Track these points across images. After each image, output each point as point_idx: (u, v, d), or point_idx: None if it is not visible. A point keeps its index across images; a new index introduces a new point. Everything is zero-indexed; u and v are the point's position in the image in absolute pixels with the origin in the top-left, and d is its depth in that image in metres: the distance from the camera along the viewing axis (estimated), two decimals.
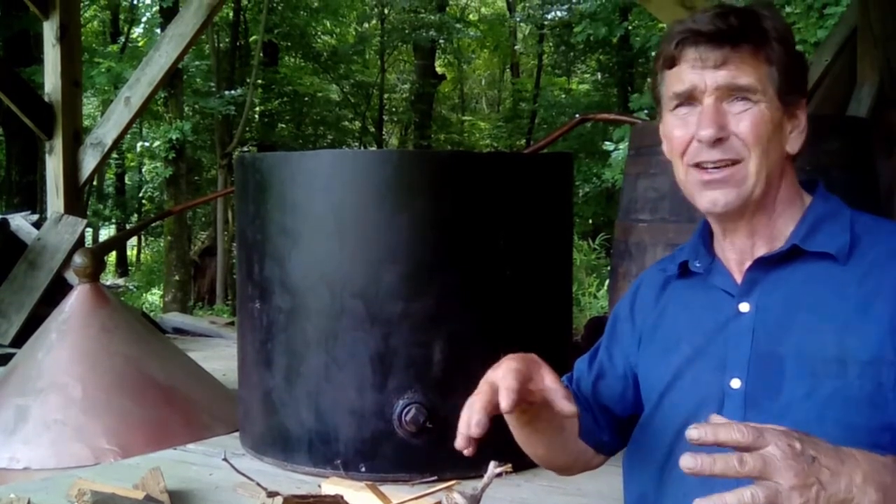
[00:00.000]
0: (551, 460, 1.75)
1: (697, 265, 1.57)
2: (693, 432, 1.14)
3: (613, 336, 1.75)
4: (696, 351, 1.53)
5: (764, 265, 1.48)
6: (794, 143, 1.49)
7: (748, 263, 1.50)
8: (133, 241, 24.13)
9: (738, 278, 1.51)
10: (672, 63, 1.48)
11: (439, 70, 21.86)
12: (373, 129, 21.24)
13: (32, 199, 12.82)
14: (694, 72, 1.44)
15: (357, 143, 21.03)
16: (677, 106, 1.48)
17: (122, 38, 19.01)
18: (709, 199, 1.46)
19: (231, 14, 16.61)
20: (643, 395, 1.64)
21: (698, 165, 1.46)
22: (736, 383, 1.45)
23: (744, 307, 1.48)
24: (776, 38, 1.44)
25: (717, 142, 1.42)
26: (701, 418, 1.46)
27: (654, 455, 1.57)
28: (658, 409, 1.58)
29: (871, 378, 1.35)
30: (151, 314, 7.67)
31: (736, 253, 1.52)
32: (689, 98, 1.46)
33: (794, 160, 1.51)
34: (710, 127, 1.42)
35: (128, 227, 19.72)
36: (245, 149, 16.52)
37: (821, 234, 1.46)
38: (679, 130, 1.48)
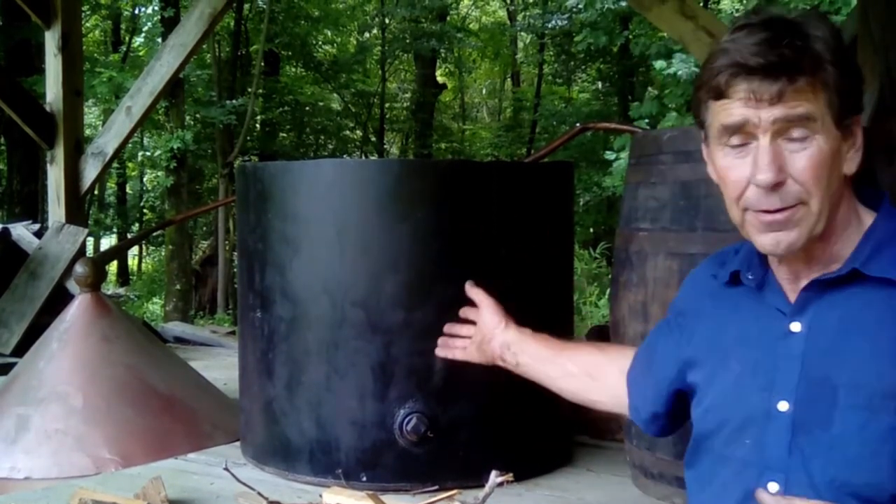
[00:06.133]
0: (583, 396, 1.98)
1: (750, 277, 1.53)
2: None
3: (667, 328, 1.77)
4: (744, 367, 1.49)
5: (820, 287, 1.42)
6: (850, 164, 1.42)
7: (803, 283, 1.44)
8: (134, 250, 24.15)
9: (791, 297, 1.46)
10: (719, 95, 1.39)
11: (440, 79, 21.91)
12: (374, 139, 21.27)
13: (34, 209, 12.84)
14: (746, 107, 1.36)
15: (358, 153, 21.06)
16: (727, 141, 1.41)
17: (124, 48, 19.11)
18: (770, 241, 1.40)
19: (232, 24, 16.64)
20: (693, 404, 1.64)
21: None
22: (783, 406, 1.41)
23: (795, 327, 1.43)
24: (830, 59, 1.35)
25: (776, 186, 1.35)
26: (745, 436, 1.46)
27: (701, 470, 1.57)
28: (703, 422, 1.56)
29: None
30: (152, 323, 7.66)
31: (790, 273, 1.47)
32: (739, 132, 1.38)
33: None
34: (769, 171, 1.34)
35: (129, 236, 19.74)
36: (246, 158, 16.55)
37: (884, 258, 1.39)
38: (734, 173, 1.41)
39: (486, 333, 2.19)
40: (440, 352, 2.43)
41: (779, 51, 1.33)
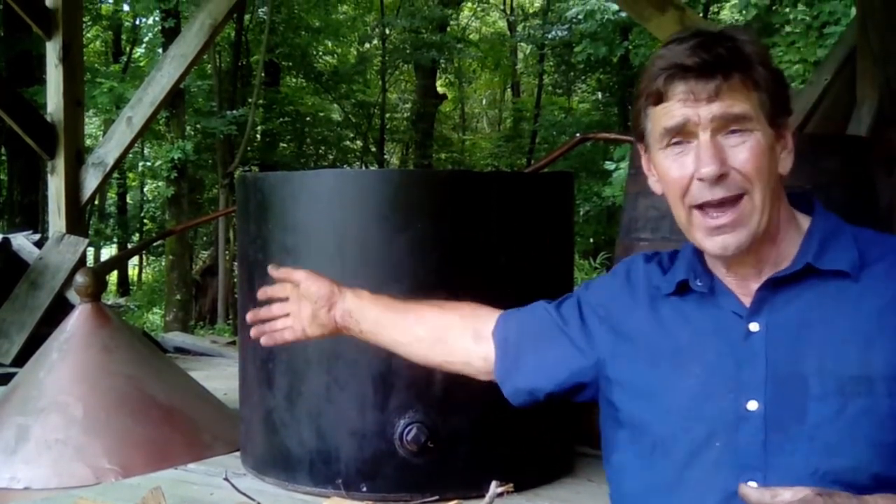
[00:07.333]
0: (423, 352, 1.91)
1: (699, 284, 1.54)
2: None
3: (581, 319, 1.70)
4: (707, 372, 1.49)
5: (773, 285, 1.46)
6: (784, 164, 1.48)
7: (755, 284, 1.47)
8: (134, 260, 24.16)
9: (744, 298, 1.49)
10: (659, 99, 1.44)
11: (440, 90, 21.95)
12: (374, 149, 21.29)
13: (34, 219, 12.86)
14: (686, 106, 1.41)
15: (358, 163, 21.08)
16: (668, 142, 1.45)
17: (124, 58, 19.17)
18: (719, 244, 1.44)
19: (233, 34, 16.67)
20: (639, 409, 1.58)
21: (701, 207, 1.43)
22: (753, 405, 1.42)
23: (753, 327, 1.46)
24: (759, 62, 1.43)
25: (720, 178, 1.39)
26: (714, 439, 1.45)
27: (663, 478, 1.53)
28: (670, 431, 1.53)
29: None
30: (153, 333, 7.67)
31: (739, 278, 1.50)
32: (680, 132, 1.43)
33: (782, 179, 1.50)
34: (712, 163, 1.39)
35: (129, 246, 19.74)
36: (246, 168, 16.56)
37: (830, 252, 1.45)
38: (676, 172, 1.45)
39: (320, 304, 1.93)
40: (266, 341, 2.05)
41: (713, 51, 1.40)
